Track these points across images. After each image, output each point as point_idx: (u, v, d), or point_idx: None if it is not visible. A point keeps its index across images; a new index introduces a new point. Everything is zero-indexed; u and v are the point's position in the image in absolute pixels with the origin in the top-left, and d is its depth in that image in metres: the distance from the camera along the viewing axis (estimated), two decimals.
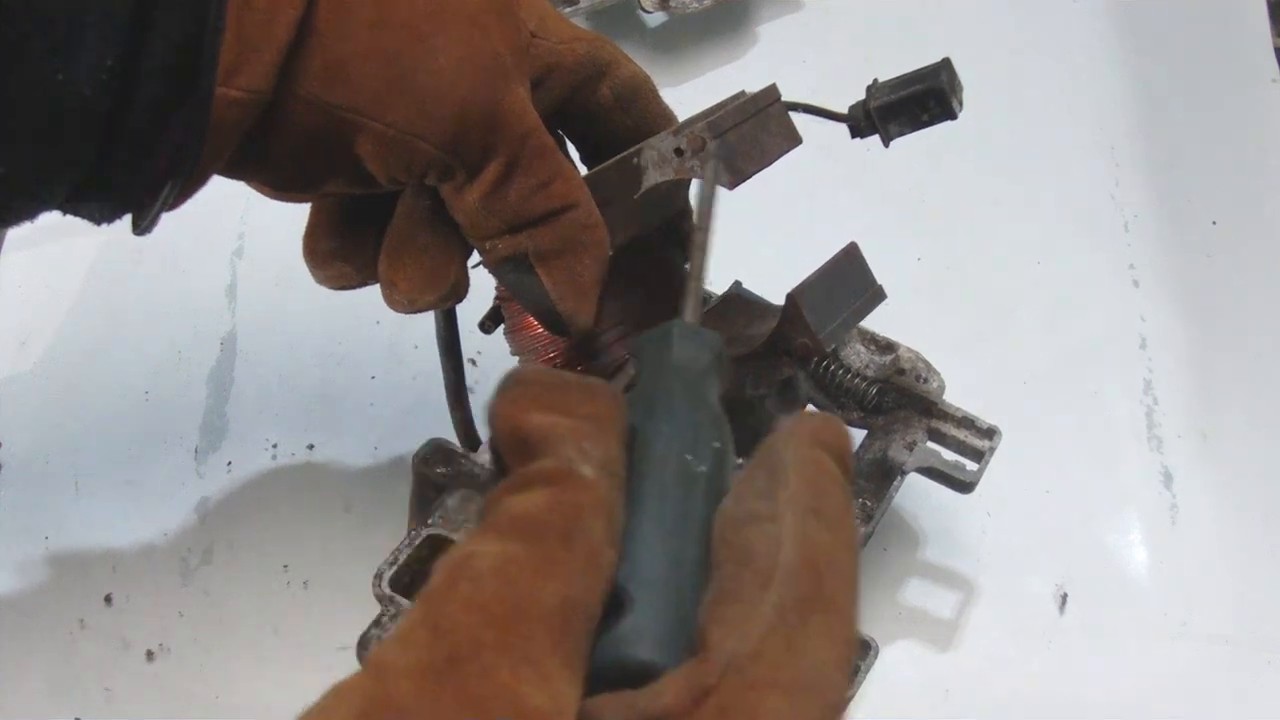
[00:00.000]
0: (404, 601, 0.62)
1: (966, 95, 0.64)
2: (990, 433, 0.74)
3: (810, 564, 0.35)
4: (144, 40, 0.49)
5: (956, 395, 0.75)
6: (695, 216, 0.56)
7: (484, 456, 0.68)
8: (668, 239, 0.67)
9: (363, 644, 0.62)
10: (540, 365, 0.59)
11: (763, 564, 0.35)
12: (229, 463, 0.81)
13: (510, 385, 0.40)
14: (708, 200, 0.53)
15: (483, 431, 0.72)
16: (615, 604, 0.35)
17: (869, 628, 0.66)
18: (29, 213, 0.53)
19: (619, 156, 0.62)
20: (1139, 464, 0.85)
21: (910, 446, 0.73)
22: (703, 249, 0.50)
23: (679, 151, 0.60)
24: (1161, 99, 1.04)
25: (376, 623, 0.62)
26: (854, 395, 0.75)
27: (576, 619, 0.34)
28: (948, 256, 0.94)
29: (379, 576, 0.63)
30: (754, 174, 0.61)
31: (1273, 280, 0.94)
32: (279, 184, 0.59)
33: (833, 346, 0.73)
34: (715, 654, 0.34)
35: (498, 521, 0.36)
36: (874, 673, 0.65)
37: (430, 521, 0.66)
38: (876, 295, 0.64)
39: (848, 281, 0.63)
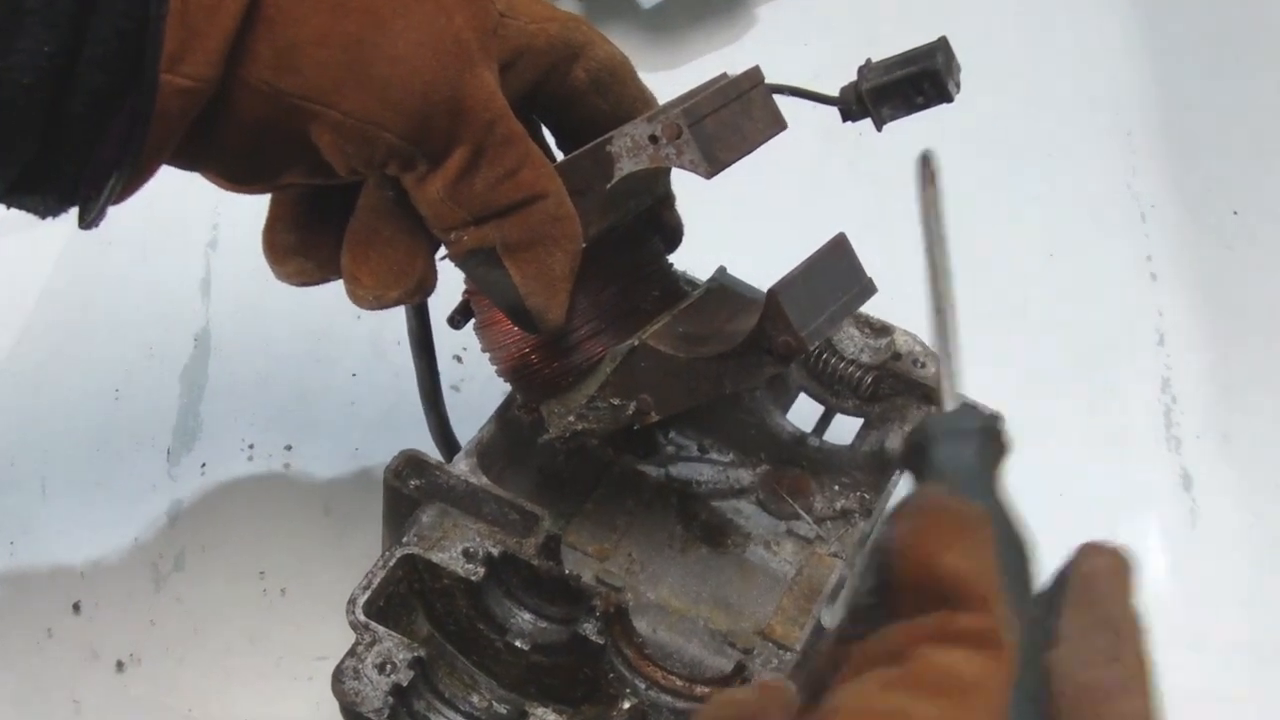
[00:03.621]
0: (379, 629, 0.59)
1: (977, 78, 0.62)
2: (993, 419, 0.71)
3: None
4: (86, 27, 0.47)
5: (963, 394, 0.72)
6: (924, 236, 0.42)
7: (460, 466, 0.65)
8: (646, 227, 0.65)
9: (338, 676, 0.58)
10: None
11: None
12: (203, 464, 0.80)
13: (916, 515, 0.38)
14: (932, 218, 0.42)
15: (470, 431, 0.68)
16: None
17: None
18: None
19: (592, 144, 0.59)
20: (1157, 465, 0.83)
21: None
22: (945, 297, 0.40)
23: (654, 139, 0.57)
24: (1180, 83, 1.03)
25: (352, 652, 0.59)
26: (848, 383, 0.72)
27: None
28: (955, 248, 0.92)
29: (353, 602, 0.60)
30: (734, 162, 0.58)
31: None
32: (233, 175, 0.56)
33: (817, 344, 0.70)
34: None
35: (924, 676, 0.36)
36: None
37: (405, 540, 0.62)
38: (866, 290, 0.61)
39: (835, 275, 0.60)
